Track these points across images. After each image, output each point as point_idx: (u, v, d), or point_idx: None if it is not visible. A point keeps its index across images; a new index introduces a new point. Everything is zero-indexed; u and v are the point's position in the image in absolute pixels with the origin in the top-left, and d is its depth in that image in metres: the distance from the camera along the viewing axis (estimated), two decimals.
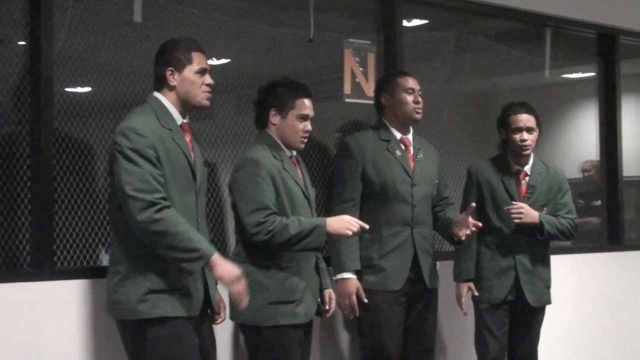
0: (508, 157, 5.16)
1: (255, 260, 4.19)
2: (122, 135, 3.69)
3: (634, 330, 6.79)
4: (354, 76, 5.33)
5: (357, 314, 4.63)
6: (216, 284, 3.91)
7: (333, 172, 4.85)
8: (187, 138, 3.91)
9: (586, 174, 7.15)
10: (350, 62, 5.35)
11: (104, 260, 4.35)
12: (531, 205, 5.07)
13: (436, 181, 4.90)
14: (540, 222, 5.00)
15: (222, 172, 4.82)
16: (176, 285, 3.73)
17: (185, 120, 3.93)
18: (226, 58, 5.09)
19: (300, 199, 4.28)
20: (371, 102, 5.07)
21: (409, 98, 4.76)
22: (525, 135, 5.07)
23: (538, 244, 5.13)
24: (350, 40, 5.38)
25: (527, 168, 5.16)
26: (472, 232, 4.69)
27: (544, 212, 5.11)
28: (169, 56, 3.88)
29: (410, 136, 4.86)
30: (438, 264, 5.00)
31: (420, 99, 4.79)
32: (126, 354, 3.81)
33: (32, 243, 4.13)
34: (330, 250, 4.68)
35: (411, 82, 4.80)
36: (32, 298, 4.02)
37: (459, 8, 5.97)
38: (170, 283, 3.72)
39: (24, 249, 4.14)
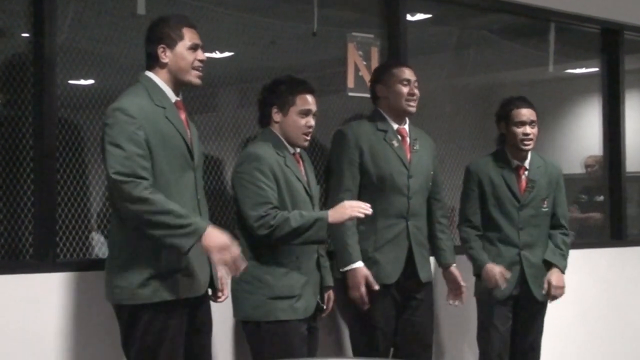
0: (507, 153, 5.16)
1: (255, 255, 4.19)
2: (111, 116, 3.69)
3: (636, 326, 6.79)
4: (357, 70, 5.32)
5: (368, 306, 4.57)
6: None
7: (330, 161, 4.80)
8: (182, 116, 3.88)
9: (589, 169, 7.14)
10: (353, 56, 5.34)
11: (98, 247, 4.34)
12: (532, 200, 5.08)
13: (431, 172, 4.87)
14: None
15: (226, 166, 4.82)
16: (178, 267, 3.73)
17: (179, 98, 3.91)
18: (230, 51, 5.09)
19: (302, 195, 4.28)
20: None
21: (404, 89, 4.71)
22: (528, 129, 5.07)
23: (540, 241, 5.13)
24: (354, 34, 5.37)
25: (527, 163, 5.16)
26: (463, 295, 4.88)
27: (545, 206, 5.12)
28: (160, 33, 3.85)
29: (406, 126, 4.82)
30: (432, 258, 4.97)
31: (415, 91, 4.74)
32: (120, 338, 3.82)
33: (35, 235, 4.14)
34: (335, 244, 4.66)
35: (407, 73, 4.75)
36: (34, 290, 4.03)
37: (462, 3, 5.96)
38: (171, 266, 3.71)
39: (26, 240, 4.14)
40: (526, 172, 5.15)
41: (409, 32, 5.60)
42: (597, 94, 7.02)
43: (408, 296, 4.74)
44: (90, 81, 4.52)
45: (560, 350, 6.12)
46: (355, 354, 4.77)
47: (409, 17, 5.68)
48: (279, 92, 4.30)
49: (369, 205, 4.18)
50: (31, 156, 4.15)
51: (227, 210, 4.71)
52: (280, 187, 4.19)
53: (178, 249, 3.65)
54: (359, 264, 4.57)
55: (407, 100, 4.72)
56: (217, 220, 4.69)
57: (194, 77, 3.88)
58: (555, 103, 6.92)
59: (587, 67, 7.27)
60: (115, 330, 3.85)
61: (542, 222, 5.17)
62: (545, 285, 5.11)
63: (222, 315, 4.35)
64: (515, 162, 5.15)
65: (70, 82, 4.36)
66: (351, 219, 4.18)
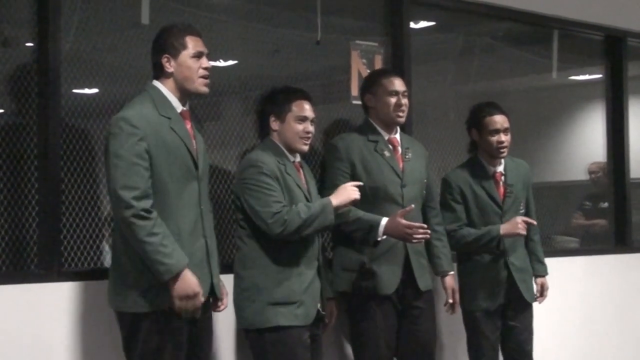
0: (481, 160, 5.14)
1: (257, 263, 4.20)
2: (116, 126, 3.72)
3: None
4: (361, 78, 5.32)
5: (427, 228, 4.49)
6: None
7: (322, 173, 4.77)
8: (188, 125, 3.91)
9: (593, 175, 7.14)
10: (357, 64, 5.35)
11: (106, 258, 4.35)
12: (512, 204, 5.09)
13: (425, 180, 4.85)
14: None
15: (230, 174, 4.82)
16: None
17: (185, 108, 3.93)
18: (233, 60, 5.09)
19: (303, 202, 4.28)
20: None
21: (392, 100, 4.68)
22: (502, 137, 5.04)
23: (520, 241, 5.14)
24: (358, 42, 5.38)
25: (501, 168, 5.14)
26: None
27: (522, 208, 5.14)
28: (164, 43, 3.88)
29: (397, 136, 4.80)
30: None
31: (404, 101, 4.70)
32: (122, 344, 3.84)
33: (40, 244, 4.13)
34: (353, 226, 4.55)
35: (396, 84, 4.72)
36: (39, 299, 4.02)
37: (466, 10, 5.97)
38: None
39: (31, 250, 4.14)
40: (503, 178, 5.13)
41: (412, 40, 5.61)
42: (600, 100, 7.02)
43: (408, 305, 4.72)
44: (95, 90, 4.53)
45: (565, 356, 6.12)
46: None
47: (412, 25, 5.69)
48: (275, 101, 4.34)
49: (361, 183, 4.28)
50: (36, 165, 4.15)
51: (231, 219, 4.71)
52: (282, 192, 4.20)
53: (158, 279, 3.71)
54: (385, 219, 4.47)
55: (395, 110, 4.70)
56: (221, 228, 4.70)
57: (200, 85, 3.90)
58: (559, 110, 6.92)
59: (590, 73, 7.26)
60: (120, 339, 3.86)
61: None
62: (538, 288, 5.21)
63: (226, 325, 4.36)
64: (492, 169, 5.12)
65: (75, 91, 4.36)
66: (355, 201, 4.25)
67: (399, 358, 4.76)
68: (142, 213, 3.64)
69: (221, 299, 4.07)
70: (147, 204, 3.66)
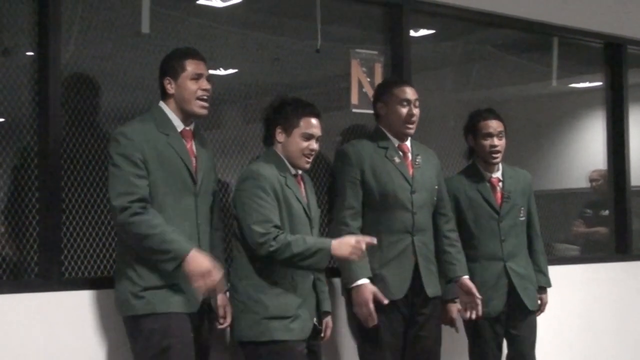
0: (478, 166, 5.16)
1: (252, 275, 4.19)
2: (114, 139, 3.90)
3: None
4: (361, 86, 5.33)
5: (376, 321, 4.56)
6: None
7: (332, 180, 4.80)
8: (188, 144, 4.01)
9: (594, 183, 7.13)
10: (357, 73, 5.35)
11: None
12: (510, 210, 5.09)
13: (436, 187, 4.86)
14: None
15: (230, 183, 4.82)
16: (171, 282, 3.85)
17: (189, 128, 4.05)
18: (233, 68, 5.10)
19: (301, 217, 4.27)
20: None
21: (403, 110, 4.71)
22: (496, 141, 5.06)
23: (521, 250, 5.14)
24: (358, 50, 5.38)
25: (499, 174, 5.15)
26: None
27: (521, 215, 5.13)
28: (166, 66, 4.06)
29: (408, 142, 4.82)
30: None
31: (415, 111, 4.73)
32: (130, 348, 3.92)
33: (40, 253, 4.14)
34: (340, 262, 4.65)
35: (408, 93, 4.74)
36: (40, 308, 4.02)
37: (466, 18, 5.97)
38: (164, 280, 3.84)
39: (32, 259, 4.14)
40: (500, 183, 5.14)
41: (412, 48, 5.61)
42: (600, 108, 7.02)
43: (415, 312, 4.73)
44: (95, 99, 4.53)
45: None
46: None
47: (412, 33, 5.69)
48: (284, 113, 4.31)
49: (374, 240, 4.19)
50: (36, 174, 4.16)
51: (228, 227, 4.71)
52: (280, 207, 4.19)
53: (164, 270, 3.82)
54: (365, 281, 4.55)
55: (405, 122, 4.72)
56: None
57: (197, 107, 4.03)
58: (559, 117, 6.93)
59: (590, 81, 7.27)
60: (123, 347, 3.86)
61: (520, 231, 5.17)
62: (539, 302, 5.21)
63: (221, 336, 4.35)
64: (489, 175, 5.14)
65: (75, 99, 4.36)
66: (354, 260, 4.21)
67: None
68: (139, 210, 3.79)
69: (224, 317, 4.13)
70: (146, 206, 3.82)
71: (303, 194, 4.35)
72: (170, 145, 3.94)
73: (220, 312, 4.10)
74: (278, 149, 4.33)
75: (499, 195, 5.11)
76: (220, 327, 4.13)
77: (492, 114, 5.13)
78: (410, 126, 4.73)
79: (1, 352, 3.89)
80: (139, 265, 3.85)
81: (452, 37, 6.23)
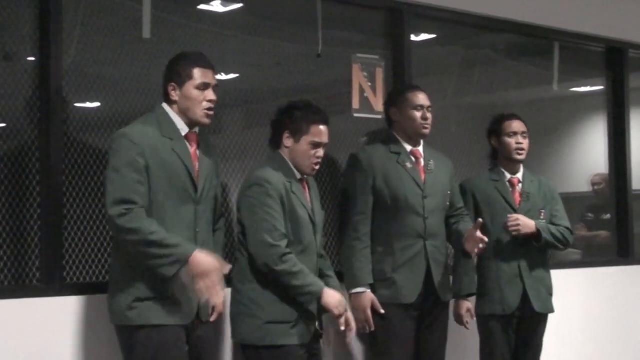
0: (500, 167, 5.20)
1: (255, 279, 4.19)
2: (116, 141, 3.77)
3: None
4: (362, 91, 5.33)
5: (373, 328, 4.61)
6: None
7: (344, 185, 4.84)
8: (192, 149, 3.92)
9: (596, 187, 7.14)
10: (358, 77, 5.35)
11: None
12: (529, 210, 5.10)
13: (448, 192, 4.88)
14: (537, 230, 5.02)
15: (231, 187, 4.82)
16: (165, 293, 3.77)
17: (193, 131, 3.95)
18: (235, 73, 5.10)
19: (305, 222, 4.27)
20: (380, 117, 5.08)
21: (417, 114, 4.74)
22: (520, 139, 5.13)
23: (537, 251, 5.12)
24: (359, 55, 5.38)
25: (519, 175, 5.20)
26: (482, 248, 4.67)
27: (542, 217, 5.12)
28: (172, 71, 3.93)
29: (421, 148, 4.84)
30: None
31: (428, 115, 4.77)
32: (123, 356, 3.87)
33: (42, 258, 4.14)
34: (343, 266, 4.67)
35: (421, 99, 4.78)
36: (41, 313, 4.02)
37: (467, 23, 5.98)
38: (158, 291, 3.76)
39: (33, 264, 4.15)
40: (520, 185, 5.16)
41: (413, 53, 5.61)
42: (602, 112, 7.02)
43: (426, 316, 4.75)
44: (97, 104, 4.54)
45: None
46: None
47: (413, 38, 5.70)
48: (293, 118, 4.28)
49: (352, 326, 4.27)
50: (38, 179, 4.16)
51: (232, 232, 4.71)
52: (285, 213, 4.19)
53: (164, 276, 3.72)
54: (365, 289, 4.59)
55: (420, 124, 4.75)
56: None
57: (202, 117, 3.91)
58: (560, 122, 6.93)
59: (591, 85, 7.27)
60: None
61: None
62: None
63: (222, 338, 4.35)
64: (509, 175, 5.16)
65: (77, 105, 4.37)
66: (334, 315, 4.19)
67: None
68: (136, 216, 3.68)
69: (207, 318, 4.04)
70: (142, 213, 3.71)
71: (308, 198, 4.35)
72: (174, 151, 3.84)
73: (203, 318, 3.99)
74: (285, 153, 4.32)
75: (517, 194, 5.15)
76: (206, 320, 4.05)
77: (516, 116, 5.22)
78: (427, 126, 4.76)
79: (3, 357, 3.89)
80: (134, 274, 3.76)
81: (453, 42, 6.23)
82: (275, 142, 4.36)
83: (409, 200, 4.70)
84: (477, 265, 5.14)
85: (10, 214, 4.12)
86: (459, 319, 5.06)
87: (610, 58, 6.94)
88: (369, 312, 4.58)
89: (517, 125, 5.16)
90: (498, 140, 5.19)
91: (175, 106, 3.92)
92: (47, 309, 4.04)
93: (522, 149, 5.13)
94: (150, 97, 4.40)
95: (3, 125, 4.21)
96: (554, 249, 5.25)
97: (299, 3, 5.29)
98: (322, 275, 4.38)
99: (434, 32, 6.04)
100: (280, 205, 4.17)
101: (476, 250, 4.69)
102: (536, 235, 5.03)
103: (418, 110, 4.75)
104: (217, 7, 5.00)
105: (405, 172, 4.73)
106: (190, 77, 3.89)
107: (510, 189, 5.15)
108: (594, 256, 6.89)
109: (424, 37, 5.96)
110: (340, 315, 4.20)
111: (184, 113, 3.91)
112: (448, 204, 4.88)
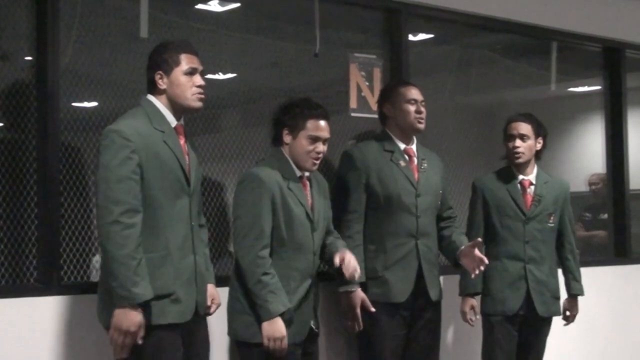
0: (512, 167, 5.18)
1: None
2: (107, 138, 3.68)
3: None
4: (359, 90, 5.34)
5: (362, 327, 4.61)
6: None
7: (336, 183, 4.81)
8: (182, 141, 3.87)
9: (593, 187, 7.15)
10: (356, 77, 5.36)
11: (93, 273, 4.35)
12: (539, 214, 5.08)
13: (440, 191, 4.87)
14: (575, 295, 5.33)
15: (228, 187, 4.82)
16: (164, 292, 3.71)
17: (180, 123, 3.90)
18: (232, 73, 5.10)
19: (302, 221, 4.24)
20: (377, 116, 5.08)
21: (411, 108, 4.73)
22: (517, 142, 5.09)
23: (546, 254, 5.12)
24: (356, 54, 5.38)
25: (532, 177, 5.17)
26: (482, 270, 4.65)
27: (551, 221, 5.11)
28: (158, 59, 3.86)
29: (414, 146, 4.83)
30: (442, 277, 4.98)
31: (422, 109, 4.75)
32: None
33: (39, 258, 4.13)
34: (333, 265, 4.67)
35: (414, 93, 4.76)
36: (39, 313, 4.02)
37: (464, 22, 5.98)
38: (157, 290, 3.68)
39: (30, 263, 4.14)
40: (532, 187, 5.15)
41: (411, 52, 5.62)
42: (599, 112, 7.03)
43: (417, 315, 4.74)
44: (94, 103, 4.54)
45: None
46: None
47: (410, 37, 5.70)
48: (291, 114, 4.28)
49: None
50: (35, 179, 4.16)
51: (227, 232, 4.71)
52: (277, 209, 4.16)
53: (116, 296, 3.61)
54: (355, 287, 4.57)
55: (415, 118, 4.73)
56: (218, 241, 4.70)
57: (193, 100, 3.86)
58: (558, 121, 6.92)
59: (589, 85, 7.28)
60: None
61: (548, 237, 5.16)
62: (566, 306, 5.30)
63: (220, 334, 4.35)
64: (521, 177, 5.15)
65: (74, 104, 4.37)
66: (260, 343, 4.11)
67: None
68: (129, 223, 3.58)
69: (207, 312, 4.03)
70: (135, 219, 3.62)
71: (307, 196, 4.33)
72: (166, 144, 3.77)
73: (201, 311, 3.95)
74: (285, 150, 4.30)
75: (528, 197, 5.13)
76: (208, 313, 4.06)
77: (522, 116, 5.17)
78: (421, 121, 4.75)
79: (0, 357, 3.88)
80: None
81: (451, 41, 6.24)
82: (277, 140, 4.35)
83: (402, 199, 4.69)
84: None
85: (7, 213, 4.12)
86: (464, 316, 5.08)
87: (608, 58, 6.94)
88: (358, 311, 4.57)
89: (516, 127, 5.10)
90: (504, 142, 5.20)
91: (162, 97, 3.85)
92: (45, 308, 4.04)
93: (519, 153, 5.09)
94: None
95: (0, 124, 4.21)
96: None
97: (297, 2, 5.30)
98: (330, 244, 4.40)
99: (431, 32, 6.05)
100: (269, 203, 4.15)
101: (477, 272, 4.65)
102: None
103: (412, 104, 4.73)
104: (214, 6, 5.00)
105: (398, 171, 4.72)
106: (177, 63, 3.83)
107: (522, 192, 5.14)
108: (591, 256, 6.88)
109: (422, 36, 5.96)
110: (266, 346, 4.09)
111: (173, 100, 3.84)
112: (439, 203, 4.87)
